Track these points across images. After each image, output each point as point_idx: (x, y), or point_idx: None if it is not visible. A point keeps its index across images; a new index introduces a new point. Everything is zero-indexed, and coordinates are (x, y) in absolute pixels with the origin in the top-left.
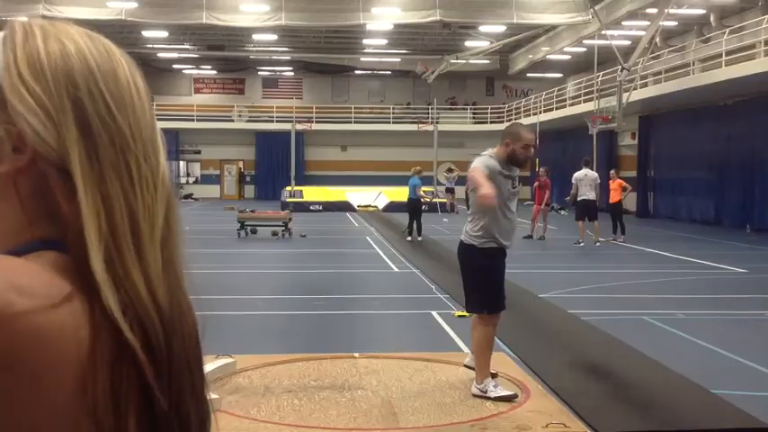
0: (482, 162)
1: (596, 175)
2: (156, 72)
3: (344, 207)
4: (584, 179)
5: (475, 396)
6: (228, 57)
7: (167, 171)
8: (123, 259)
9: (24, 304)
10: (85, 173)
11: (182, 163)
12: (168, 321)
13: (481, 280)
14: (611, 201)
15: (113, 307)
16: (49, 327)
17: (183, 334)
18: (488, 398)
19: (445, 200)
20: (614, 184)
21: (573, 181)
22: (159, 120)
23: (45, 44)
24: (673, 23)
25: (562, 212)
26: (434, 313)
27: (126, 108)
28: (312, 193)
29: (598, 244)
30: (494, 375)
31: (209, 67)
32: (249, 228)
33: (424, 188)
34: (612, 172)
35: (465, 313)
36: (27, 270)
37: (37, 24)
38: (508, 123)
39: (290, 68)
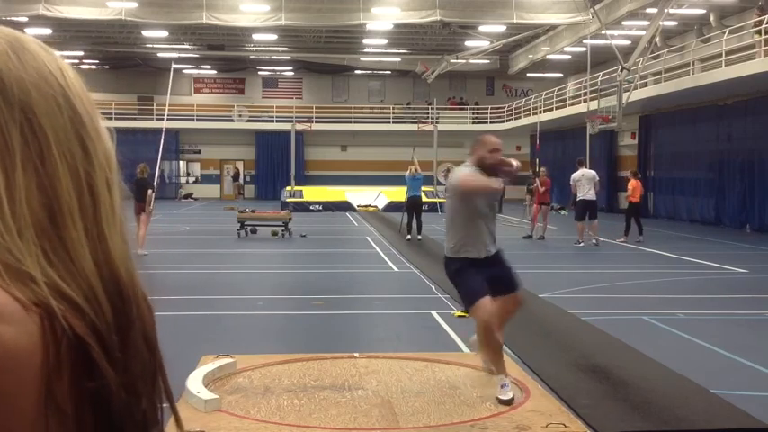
0: (461, 171)
1: (594, 173)
2: (155, 72)
3: (344, 207)
4: (582, 179)
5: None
6: (228, 57)
7: (99, 153)
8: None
9: (5, 330)
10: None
11: (182, 163)
12: (119, 308)
13: (456, 282)
14: (631, 200)
15: (58, 311)
16: (15, 344)
17: (141, 316)
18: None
19: (445, 200)
20: (633, 184)
21: (571, 182)
22: (160, 120)
23: None
24: (673, 23)
25: (562, 212)
26: (434, 313)
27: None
28: (312, 193)
29: (594, 242)
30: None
31: (209, 67)
32: (249, 228)
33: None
34: (631, 172)
35: (465, 313)
36: None
37: None
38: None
39: (290, 68)
